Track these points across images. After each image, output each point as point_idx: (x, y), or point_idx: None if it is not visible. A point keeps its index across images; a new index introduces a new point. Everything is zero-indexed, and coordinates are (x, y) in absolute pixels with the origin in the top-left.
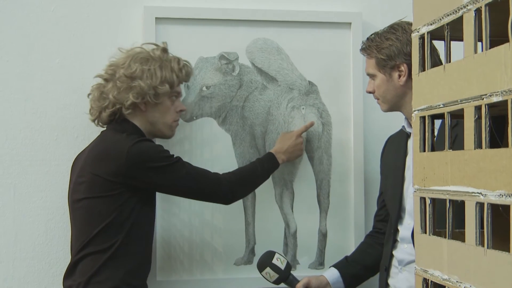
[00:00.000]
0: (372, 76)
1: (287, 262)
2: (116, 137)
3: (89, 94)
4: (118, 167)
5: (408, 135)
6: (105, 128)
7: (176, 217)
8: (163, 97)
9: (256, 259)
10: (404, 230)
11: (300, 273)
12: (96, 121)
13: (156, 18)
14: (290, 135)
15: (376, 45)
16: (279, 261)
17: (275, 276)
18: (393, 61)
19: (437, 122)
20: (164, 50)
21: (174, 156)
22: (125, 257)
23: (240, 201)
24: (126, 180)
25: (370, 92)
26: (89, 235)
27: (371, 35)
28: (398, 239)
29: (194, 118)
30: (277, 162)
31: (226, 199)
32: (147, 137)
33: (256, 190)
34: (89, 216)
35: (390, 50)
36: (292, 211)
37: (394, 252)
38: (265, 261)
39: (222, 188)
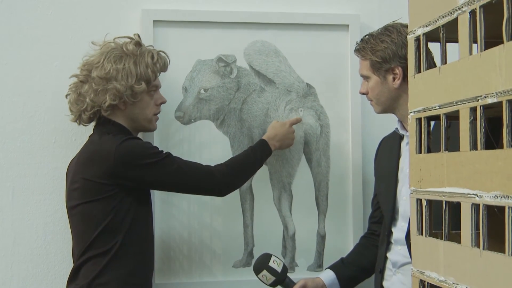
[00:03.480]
0: (366, 77)
1: (284, 265)
2: (102, 139)
3: (67, 95)
4: (107, 168)
5: (401, 137)
6: (91, 132)
7: (175, 219)
8: (141, 95)
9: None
10: (397, 232)
11: (299, 275)
12: (77, 121)
13: (154, 21)
14: (283, 123)
15: (371, 47)
16: (276, 264)
17: (271, 278)
18: (388, 64)
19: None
20: (137, 44)
21: (164, 152)
22: (126, 258)
23: (239, 203)
24: (117, 180)
25: (363, 94)
26: (88, 240)
27: (365, 36)
28: (392, 241)
29: (192, 120)
30: (269, 149)
31: (220, 192)
32: (132, 133)
33: (255, 193)
34: (86, 221)
35: (385, 53)
36: (291, 213)
37: (388, 254)
38: (262, 264)
39: (215, 181)
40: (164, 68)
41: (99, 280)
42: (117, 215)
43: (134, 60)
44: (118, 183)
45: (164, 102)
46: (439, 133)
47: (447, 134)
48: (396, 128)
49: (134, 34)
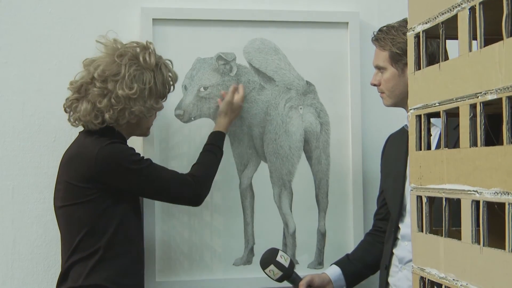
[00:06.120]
0: (381, 69)
1: (291, 260)
2: (86, 141)
3: (71, 99)
4: (87, 171)
5: None
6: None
7: (175, 218)
8: (156, 110)
9: (255, 259)
10: (405, 228)
11: (299, 272)
12: (76, 124)
13: (153, 19)
14: (225, 102)
15: (392, 38)
16: (283, 259)
17: (279, 273)
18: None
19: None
20: (152, 54)
21: (145, 159)
22: (113, 260)
23: (239, 201)
24: (97, 184)
25: (374, 85)
26: (73, 243)
27: (384, 27)
28: (399, 237)
29: (192, 119)
30: (224, 134)
31: (198, 201)
32: (124, 135)
33: (255, 191)
34: (70, 224)
35: (406, 45)
36: (291, 211)
37: (394, 251)
38: (269, 259)
39: (193, 191)
40: (176, 81)
41: (88, 281)
42: (101, 217)
43: (153, 76)
44: (99, 187)
45: (162, 108)
46: (441, 129)
47: (458, 133)
48: (406, 125)
49: (148, 42)
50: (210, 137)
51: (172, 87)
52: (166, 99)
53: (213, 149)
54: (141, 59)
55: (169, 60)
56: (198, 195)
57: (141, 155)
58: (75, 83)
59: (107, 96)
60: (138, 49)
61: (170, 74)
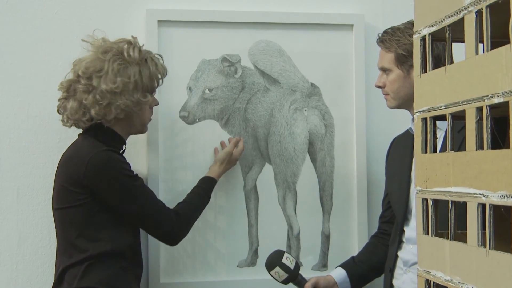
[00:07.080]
0: (386, 70)
1: (296, 262)
2: (83, 144)
3: (62, 99)
4: (78, 176)
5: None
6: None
7: None
8: (144, 105)
9: (259, 261)
10: (410, 231)
11: (303, 275)
12: (68, 124)
13: (158, 20)
14: (224, 152)
15: (397, 39)
16: (289, 261)
17: (284, 275)
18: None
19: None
20: (137, 49)
21: (138, 177)
22: (106, 262)
23: (243, 203)
24: (86, 189)
25: (379, 87)
26: (66, 247)
27: (389, 29)
28: (404, 239)
29: (197, 120)
30: (215, 181)
31: (173, 240)
32: (122, 135)
33: (259, 193)
34: (63, 226)
35: (412, 47)
36: (295, 213)
37: (399, 253)
38: (275, 261)
39: (172, 229)
40: (165, 75)
41: (81, 284)
42: (93, 221)
43: (140, 72)
44: (88, 193)
45: (157, 104)
46: (447, 132)
47: (463, 135)
48: (410, 128)
49: (133, 37)
50: (201, 181)
51: (161, 81)
52: (155, 93)
53: (202, 192)
54: (125, 53)
55: (159, 55)
56: (176, 235)
57: (135, 173)
58: (64, 83)
59: (92, 93)
60: (123, 45)
61: (157, 67)
